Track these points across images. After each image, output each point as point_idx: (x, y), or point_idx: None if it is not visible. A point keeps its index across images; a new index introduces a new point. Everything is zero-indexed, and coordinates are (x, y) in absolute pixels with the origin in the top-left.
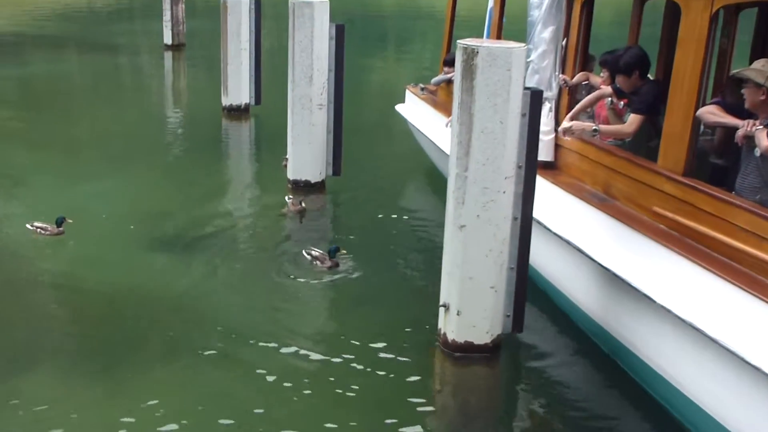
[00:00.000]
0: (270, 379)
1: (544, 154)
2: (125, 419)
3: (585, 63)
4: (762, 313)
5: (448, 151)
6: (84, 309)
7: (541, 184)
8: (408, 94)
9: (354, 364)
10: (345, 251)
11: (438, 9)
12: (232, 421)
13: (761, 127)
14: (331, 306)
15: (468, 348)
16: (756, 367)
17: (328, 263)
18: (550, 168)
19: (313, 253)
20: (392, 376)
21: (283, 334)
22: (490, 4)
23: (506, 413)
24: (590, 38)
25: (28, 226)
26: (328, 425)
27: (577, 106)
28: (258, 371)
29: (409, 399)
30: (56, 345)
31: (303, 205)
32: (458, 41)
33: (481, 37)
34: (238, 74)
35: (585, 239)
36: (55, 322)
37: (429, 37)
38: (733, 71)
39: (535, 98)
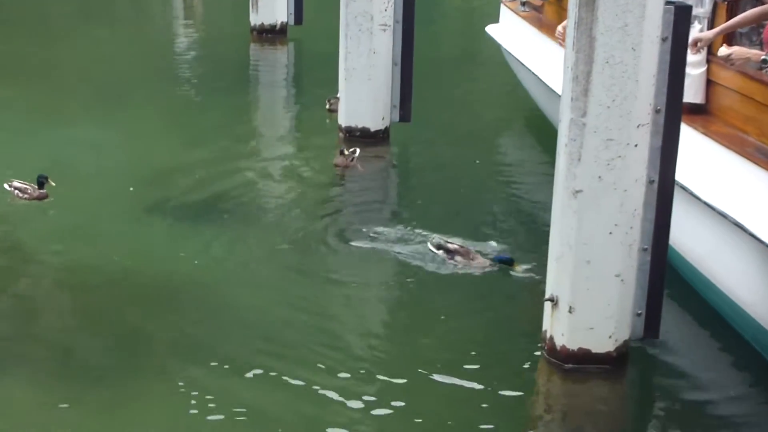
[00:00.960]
0: (326, 397)
1: (692, 94)
2: None
3: None
4: None
5: (558, 90)
6: (69, 300)
7: (688, 134)
8: (503, 11)
9: (434, 379)
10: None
11: None
12: None
13: None
14: (396, 303)
15: (583, 358)
16: None
17: (479, 261)
18: (700, 113)
19: (448, 245)
20: (483, 394)
21: (334, 342)
22: None
23: None
24: None
25: (5, 186)
26: None
27: (734, 21)
28: (309, 389)
29: (503, 424)
30: (34, 349)
31: (357, 159)
32: None
33: None
34: None
35: (748, 212)
36: (33, 321)
37: None
38: None
39: (680, 16)
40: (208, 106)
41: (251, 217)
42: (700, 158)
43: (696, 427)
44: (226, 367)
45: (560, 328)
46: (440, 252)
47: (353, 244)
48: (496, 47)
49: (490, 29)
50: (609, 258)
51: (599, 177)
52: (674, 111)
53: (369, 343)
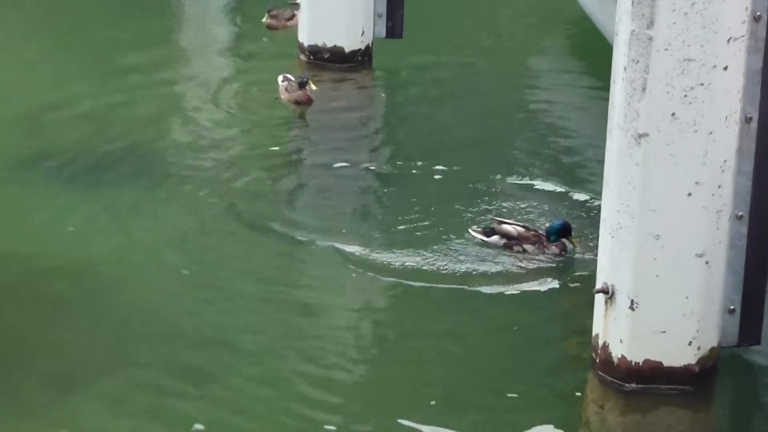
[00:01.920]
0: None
1: None
2: None
3: None
4: None
5: None
6: None
7: None
8: None
9: (450, 406)
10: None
11: None
12: None
13: None
14: (392, 297)
15: (651, 375)
16: None
17: (552, 249)
18: None
19: (508, 228)
20: (513, 423)
21: (305, 348)
22: None
23: None
24: None
25: None
26: None
27: None
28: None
29: None
30: None
31: (311, 90)
32: None
33: None
34: None
35: None
36: None
37: None
38: None
39: None
40: (109, 18)
41: (168, 179)
42: None
43: None
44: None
45: (618, 332)
46: (494, 239)
47: (325, 228)
48: None
49: None
50: (687, 230)
51: (672, 114)
52: None
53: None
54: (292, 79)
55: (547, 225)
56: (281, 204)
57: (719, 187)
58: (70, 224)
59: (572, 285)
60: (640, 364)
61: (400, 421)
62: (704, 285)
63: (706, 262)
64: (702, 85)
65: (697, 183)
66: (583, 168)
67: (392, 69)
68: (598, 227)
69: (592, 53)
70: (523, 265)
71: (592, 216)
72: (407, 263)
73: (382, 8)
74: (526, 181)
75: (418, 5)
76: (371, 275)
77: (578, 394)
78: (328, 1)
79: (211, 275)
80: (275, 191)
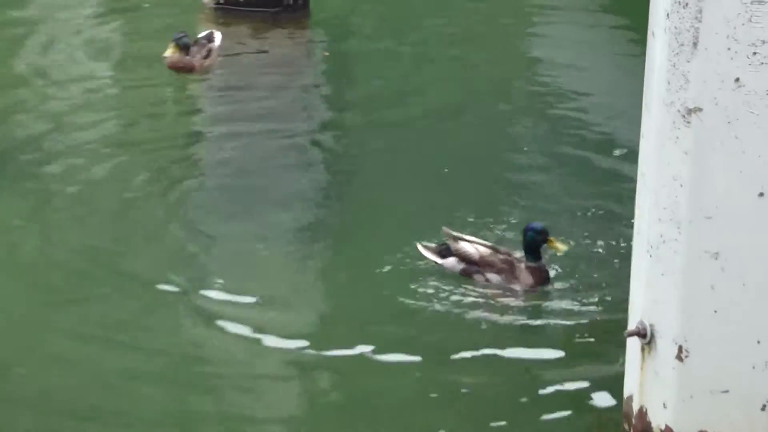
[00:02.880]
0: None
1: None
2: None
3: None
4: None
5: None
6: None
7: None
8: None
9: None
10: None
11: None
12: None
13: None
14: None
15: None
16: None
17: (525, 279)
18: None
19: (468, 249)
20: None
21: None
22: None
23: None
24: None
25: None
26: None
27: None
28: None
29: None
30: None
31: (210, 52)
32: None
33: None
34: None
35: None
36: None
37: None
38: None
39: None
40: None
41: (37, 180)
42: None
43: None
44: None
45: (661, 393)
46: (449, 262)
47: (238, 242)
48: None
49: None
50: (760, 247)
51: (736, 80)
52: None
53: None
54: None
55: (523, 236)
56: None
57: None
58: None
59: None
60: None
61: None
62: None
63: None
64: None
65: None
66: (601, 151)
67: (337, 16)
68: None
69: None
70: (483, 303)
71: (613, 229)
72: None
73: None
74: (512, 169)
75: None
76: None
77: None
78: None
79: None
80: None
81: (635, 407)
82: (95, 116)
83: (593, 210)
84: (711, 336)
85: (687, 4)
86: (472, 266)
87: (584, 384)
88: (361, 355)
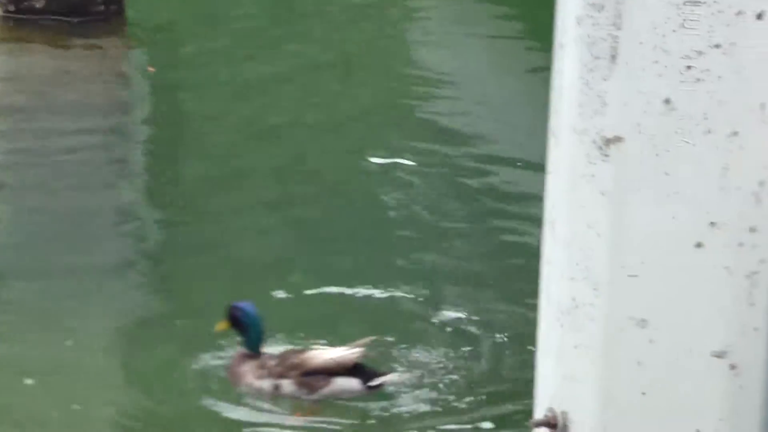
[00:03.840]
0: None
1: None
2: None
3: None
4: None
5: None
6: None
7: None
8: None
9: None
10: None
11: None
12: None
13: None
14: None
15: None
16: None
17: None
18: None
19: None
20: None
21: None
22: None
23: None
24: None
25: None
26: None
27: None
28: None
29: None
30: None
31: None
32: None
33: None
34: None
35: None
36: None
37: None
38: None
39: None
40: None
41: None
42: None
43: None
44: None
45: None
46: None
47: None
48: None
49: None
50: (697, 312)
51: (666, 102)
52: None
53: None
54: None
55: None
56: None
57: (751, 230)
58: None
59: None
60: None
61: None
62: (729, 406)
63: (732, 367)
64: (718, 47)
65: (712, 224)
66: (490, 190)
67: (159, 26)
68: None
69: None
70: None
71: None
72: None
73: None
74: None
75: None
76: None
77: None
78: None
79: None
80: None
81: None
82: None
83: (479, 271)
84: (638, 425)
85: (603, 7)
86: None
87: None
88: None
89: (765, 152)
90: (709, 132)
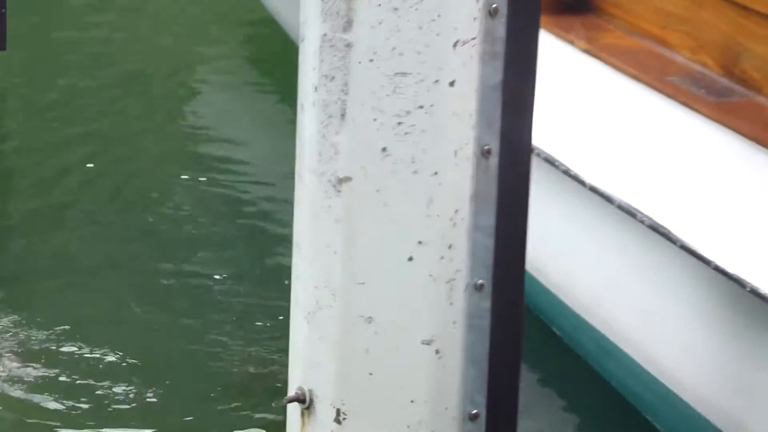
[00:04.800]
0: None
1: None
2: None
3: None
4: None
5: None
6: None
7: (555, 52)
8: None
9: None
10: None
11: None
12: None
13: None
14: None
15: None
16: None
17: None
18: (582, 10)
19: None
20: None
21: None
22: None
23: None
24: None
25: None
26: None
27: None
28: None
29: None
30: None
31: None
32: None
33: None
34: None
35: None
36: None
37: None
38: None
39: None
40: None
41: None
42: (583, 99)
43: None
44: None
45: None
46: None
47: None
48: None
49: None
50: (409, 309)
51: (383, 150)
52: (524, 7)
53: None
54: None
55: None
56: None
57: (450, 247)
58: None
59: None
60: None
61: None
62: (435, 383)
63: (437, 351)
64: (421, 107)
65: (420, 243)
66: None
67: None
68: None
69: (281, 65)
70: None
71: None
72: None
73: None
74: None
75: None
76: None
77: None
78: None
79: None
80: None
81: None
82: None
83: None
84: (367, 398)
85: (333, 78)
86: None
87: None
88: None
89: (458, 187)
90: (416, 172)
